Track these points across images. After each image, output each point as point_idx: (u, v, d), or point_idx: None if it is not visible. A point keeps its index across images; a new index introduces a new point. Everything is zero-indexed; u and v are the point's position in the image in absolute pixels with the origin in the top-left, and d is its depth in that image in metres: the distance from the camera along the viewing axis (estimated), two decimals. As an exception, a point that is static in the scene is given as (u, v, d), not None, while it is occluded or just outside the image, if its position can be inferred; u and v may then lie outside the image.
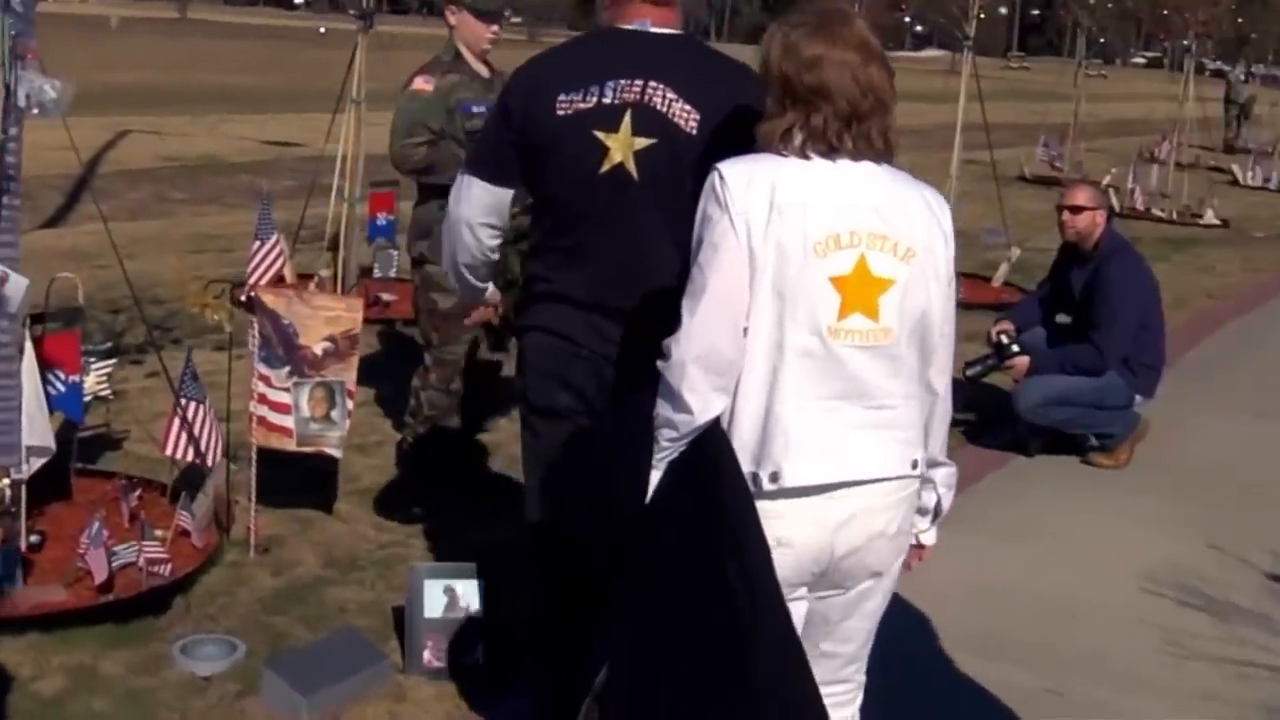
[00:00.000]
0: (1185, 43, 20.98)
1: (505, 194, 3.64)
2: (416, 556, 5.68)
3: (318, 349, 5.35)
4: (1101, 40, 46.32)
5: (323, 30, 22.14)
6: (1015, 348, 7.52)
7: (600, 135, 3.38)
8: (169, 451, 5.76)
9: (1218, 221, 18.38)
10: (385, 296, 9.84)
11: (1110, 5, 37.16)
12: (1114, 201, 12.41)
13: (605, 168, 3.40)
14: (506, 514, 5.19)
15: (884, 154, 2.86)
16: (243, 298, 9.78)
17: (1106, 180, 17.71)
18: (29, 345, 5.43)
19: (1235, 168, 24.79)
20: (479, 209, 3.65)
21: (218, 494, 5.68)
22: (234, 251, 11.76)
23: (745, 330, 2.75)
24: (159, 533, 5.24)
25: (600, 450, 3.42)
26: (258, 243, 9.84)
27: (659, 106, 3.37)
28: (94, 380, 6.15)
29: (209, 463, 5.73)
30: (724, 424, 2.79)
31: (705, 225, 2.79)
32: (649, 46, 3.48)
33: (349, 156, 10.00)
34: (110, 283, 10.21)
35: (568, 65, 3.56)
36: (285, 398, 5.40)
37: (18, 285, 5.18)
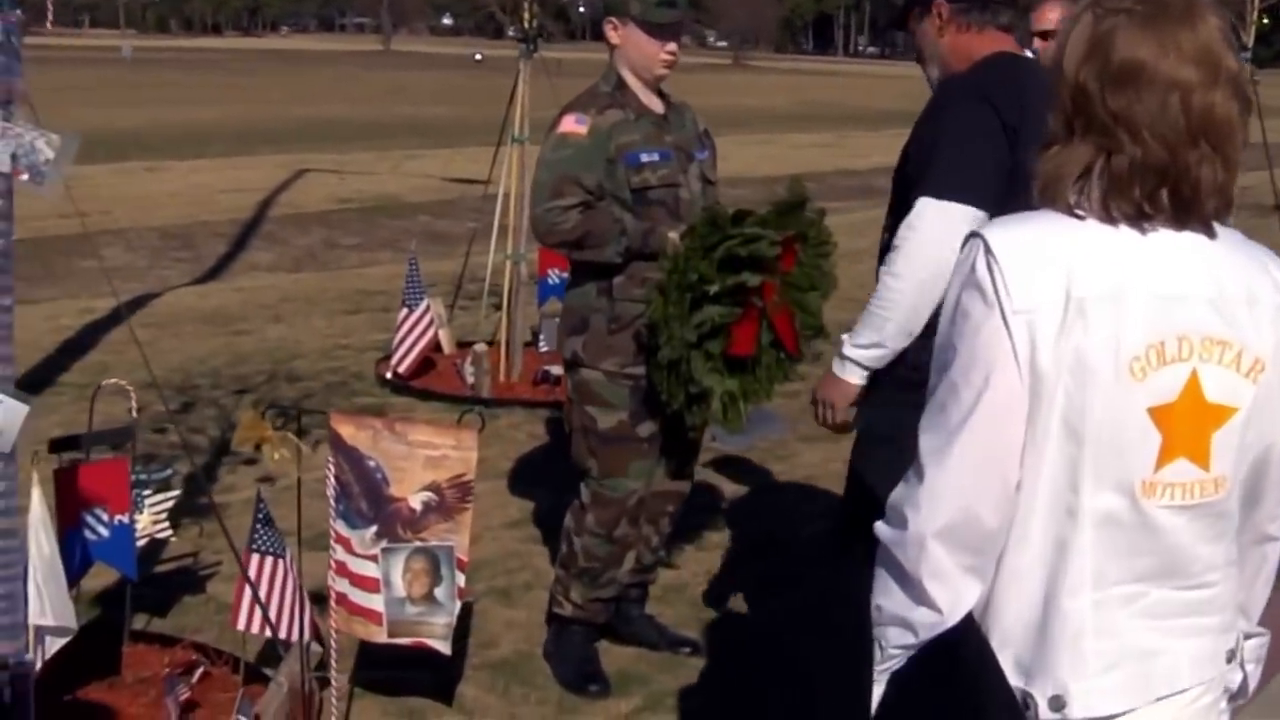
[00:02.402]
0: None
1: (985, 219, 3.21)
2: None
3: (415, 503, 3.86)
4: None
5: (478, 58, 20.97)
6: None
7: None
8: (241, 625, 4.34)
9: None
10: (554, 371, 8.15)
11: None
12: None
13: None
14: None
15: (1217, 216, 2.15)
16: (388, 374, 8.54)
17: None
18: (36, 494, 4.02)
19: None
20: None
21: (292, 686, 4.19)
22: (393, 312, 10.41)
23: (1017, 486, 2.12)
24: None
25: None
26: (404, 310, 8.56)
27: None
28: (148, 519, 4.75)
29: (290, 637, 4.27)
30: (977, 617, 2.18)
31: (960, 325, 2.13)
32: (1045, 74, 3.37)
33: (512, 198, 8.57)
34: (246, 354, 9.04)
35: (1032, 90, 3.30)
36: (371, 569, 3.92)
37: (11, 415, 3.69)
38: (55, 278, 12.50)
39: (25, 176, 3.71)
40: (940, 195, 3.37)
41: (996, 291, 2.09)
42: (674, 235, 4.35)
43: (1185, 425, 2.14)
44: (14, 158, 3.70)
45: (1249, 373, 2.16)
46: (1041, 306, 2.08)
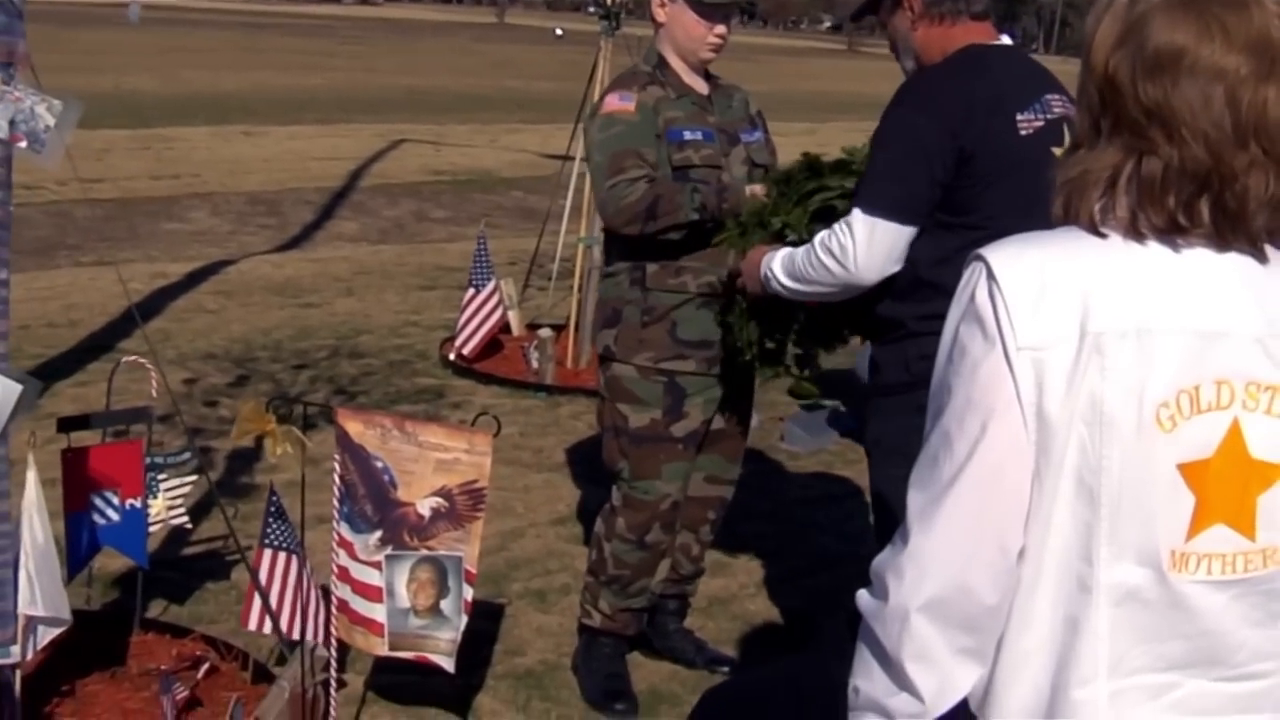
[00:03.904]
0: None
1: (912, 234, 3.34)
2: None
3: (424, 508, 3.58)
4: None
5: (559, 33, 20.66)
6: None
7: (1057, 152, 3.17)
8: (252, 625, 4.14)
9: None
10: (621, 358, 7.93)
11: None
12: None
13: None
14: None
15: (1271, 237, 1.81)
16: (451, 355, 8.30)
17: None
18: (32, 476, 3.82)
19: None
20: (891, 259, 3.35)
21: (295, 690, 3.95)
22: (468, 289, 10.23)
23: (1020, 554, 1.81)
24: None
25: None
26: (471, 290, 8.30)
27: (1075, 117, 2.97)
28: (163, 503, 4.51)
29: (293, 634, 4.05)
30: (974, 707, 1.88)
31: (957, 363, 1.84)
32: (1027, 60, 3.61)
33: (588, 178, 8.26)
34: (312, 328, 8.85)
35: (999, 81, 3.41)
36: (375, 577, 3.66)
37: (4, 394, 3.47)
38: (138, 239, 12.44)
39: (24, 143, 3.49)
40: (870, 210, 3.33)
41: (998, 324, 1.79)
42: (758, 187, 4.07)
43: (1224, 485, 1.82)
44: (12, 123, 3.47)
45: None
46: (1051, 342, 1.78)
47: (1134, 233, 1.81)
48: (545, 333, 8.11)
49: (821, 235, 3.41)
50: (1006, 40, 3.54)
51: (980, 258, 1.85)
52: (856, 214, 3.33)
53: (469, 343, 8.14)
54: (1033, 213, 2.10)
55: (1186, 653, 1.88)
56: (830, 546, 5.84)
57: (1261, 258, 1.83)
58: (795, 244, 3.65)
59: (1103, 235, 1.82)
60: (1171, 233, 1.81)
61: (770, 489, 6.43)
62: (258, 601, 4.13)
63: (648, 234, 4.14)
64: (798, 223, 3.73)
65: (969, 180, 3.28)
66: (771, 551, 5.69)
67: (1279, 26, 1.80)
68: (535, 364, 7.99)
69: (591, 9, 9.08)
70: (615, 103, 4.25)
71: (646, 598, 4.52)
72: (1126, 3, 1.84)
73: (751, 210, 3.90)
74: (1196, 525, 1.83)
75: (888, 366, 3.48)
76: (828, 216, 3.67)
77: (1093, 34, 1.87)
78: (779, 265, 3.52)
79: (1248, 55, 1.79)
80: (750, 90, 4.62)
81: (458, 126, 23.18)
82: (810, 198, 3.76)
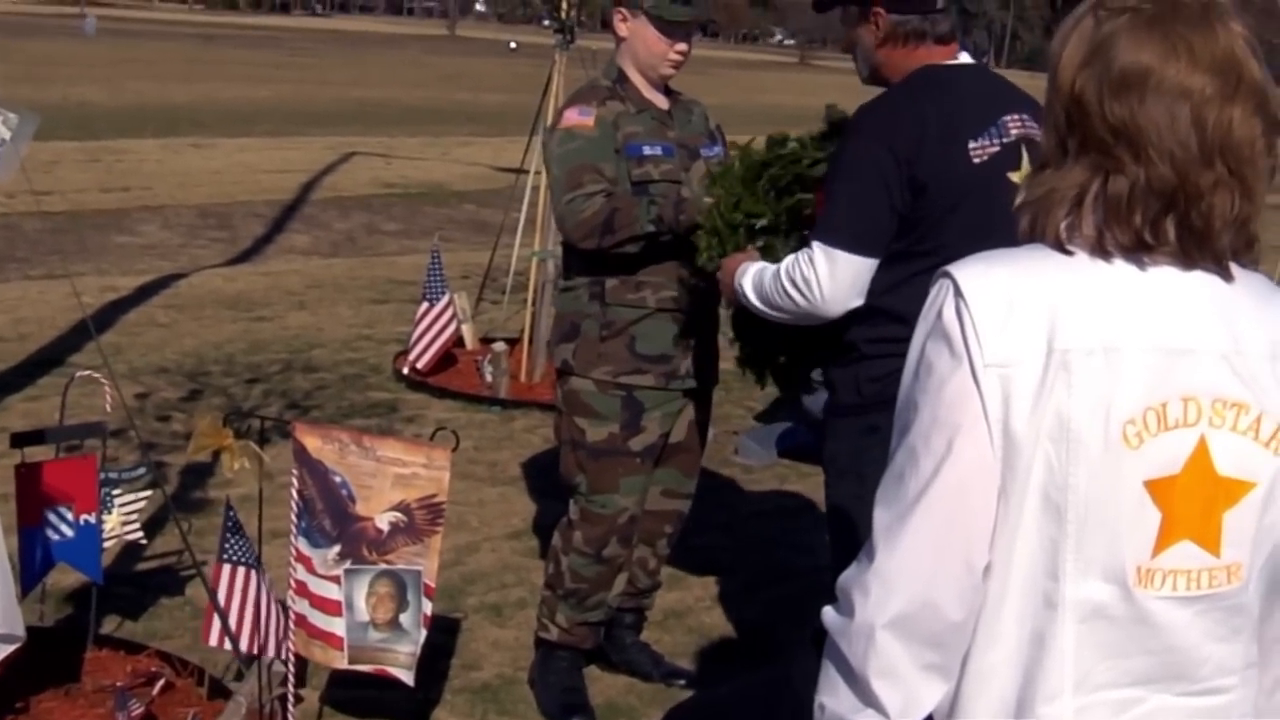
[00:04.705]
0: None
1: (874, 265, 3.31)
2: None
3: (382, 523, 3.57)
4: None
5: (513, 45, 20.50)
6: None
7: (1013, 177, 3.24)
8: (213, 640, 4.12)
9: None
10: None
11: None
12: None
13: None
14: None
15: (1236, 255, 1.82)
16: (405, 369, 8.28)
17: None
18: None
19: None
20: (855, 290, 3.31)
21: (251, 706, 3.94)
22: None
23: (986, 570, 1.81)
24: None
25: None
26: (424, 304, 8.29)
27: (1037, 136, 3.02)
28: (117, 518, 4.48)
29: (253, 650, 4.04)
30: None
31: (923, 380, 1.83)
32: (988, 77, 3.58)
33: (542, 191, 8.31)
34: (264, 342, 8.81)
35: (954, 107, 3.36)
36: (333, 591, 3.65)
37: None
38: (88, 252, 12.35)
39: (-23, 157, 3.48)
40: (831, 243, 3.29)
41: (965, 341, 1.79)
42: (699, 164, 4.06)
43: (1191, 502, 1.82)
44: (-37, 135, 3.46)
45: (1270, 441, 1.83)
46: (1018, 359, 1.78)
47: (1100, 251, 1.81)
48: (499, 346, 8.10)
49: (786, 264, 3.35)
50: (966, 58, 3.50)
51: (948, 275, 1.84)
52: (817, 247, 3.30)
53: (423, 357, 8.12)
54: (987, 239, 2.08)
55: (1152, 668, 1.88)
56: (785, 559, 5.85)
57: (1227, 276, 1.83)
58: (768, 228, 3.65)
59: (1069, 253, 1.82)
60: (1138, 250, 1.82)
61: (725, 502, 6.44)
62: (218, 617, 4.12)
63: (605, 248, 4.15)
64: (756, 206, 3.70)
65: (923, 209, 3.26)
66: (727, 565, 5.71)
67: (1243, 47, 1.81)
68: (489, 378, 7.98)
69: (546, 22, 9.08)
70: (574, 117, 4.26)
71: (604, 611, 4.52)
72: (1093, 23, 1.84)
73: (709, 218, 3.80)
74: (1163, 541, 1.83)
75: (841, 388, 3.47)
76: (778, 191, 3.68)
77: (1059, 54, 1.87)
78: (749, 283, 3.47)
79: (1213, 75, 1.80)
80: (704, 103, 4.64)
81: (409, 139, 23.12)
82: (758, 179, 3.72)
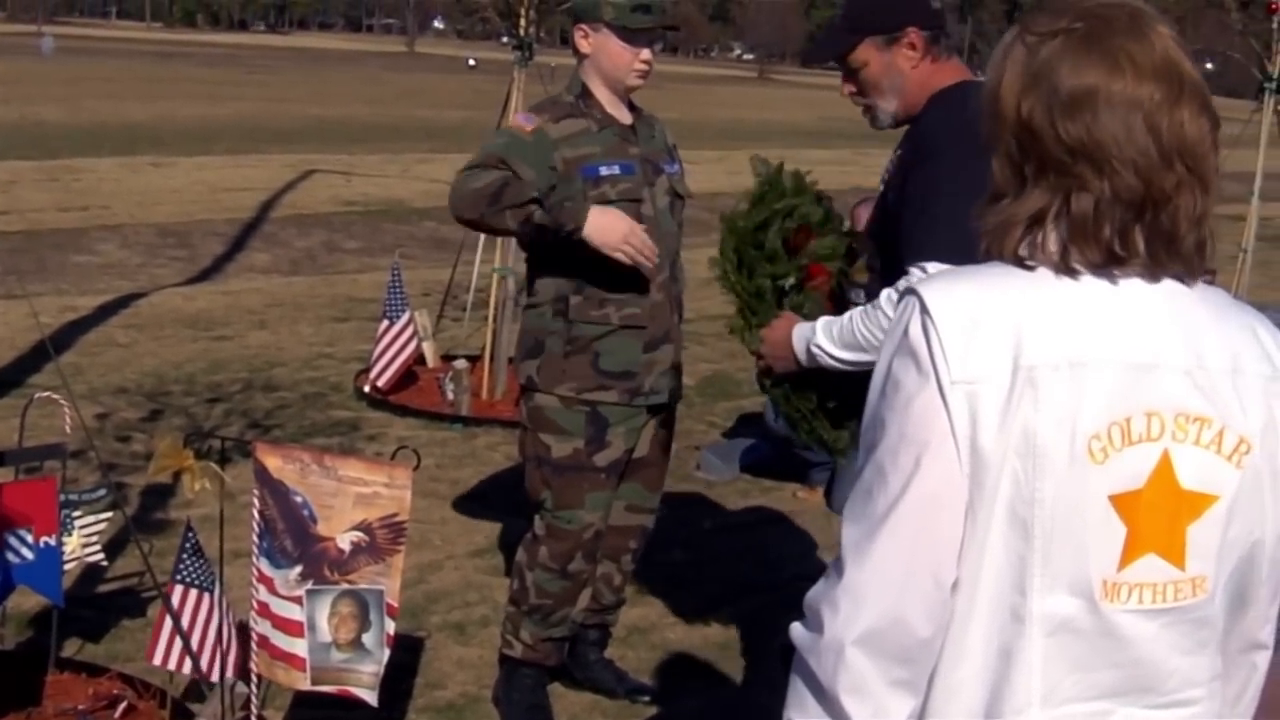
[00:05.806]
0: None
1: None
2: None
3: (344, 543, 3.56)
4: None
5: (472, 63, 20.61)
6: None
7: None
8: (158, 660, 4.08)
9: None
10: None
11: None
12: None
13: None
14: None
15: (1196, 265, 1.84)
16: (366, 387, 8.25)
17: None
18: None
19: None
20: None
21: (214, 729, 3.92)
22: (382, 320, 10.17)
23: (953, 586, 1.81)
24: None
25: None
26: (385, 322, 8.26)
27: None
28: (78, 540, 4.45)
29: (211, 675, 4.01)
30: None
31: (890, 398, 1.83)
32: None
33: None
34: (224, 361, 8.77)
35: None
36: (295, 612, 3.62)
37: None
38: (46, 272, 12.28)
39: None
40: (945, 262, 3.00)
41: (932, 358, 1.79)
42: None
43: (1155, 516, 1.83)
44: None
45: (1232, 455, 1.85)
46: (985, 376, 1.78)
47: (1065, 268, 1.83)
48: (460, 364, 8.09)
49: (886, 294, 3.13)
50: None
51: (913, 292, 1.85)
52: (932, 269, 3.03)
53: (384, 375, 8.10)
54: None
55: (1118, 681, 1.89)
56: (749, 574, 5.86)
57: (1191, 281, 1.86)
58: (797, 289, 3.51)
59: (1029, 268, 1.84)
60: (1108, 265, 1.83)
61: (687, 518, 6.44)
62: (164, 637, 4.10)
63: (484, 218, 4.10)
64: (779, 268, 3.55)
65: None
66: (690, 580, 5.71)
67: (1176, 49, 1.84)
68: (451, 395, 7.97)
69: (505, 38, 9.07)
70: (519, 120, 4.35)
71: (568, 627, 4.52)
72: (1024, 51, 1.86)
73: (727, 290, 3.60)
74: (1128, 555, 1.84)
75: None
76: (800, 246, 3.57)
77: (997, 84, 1.88)
78: (824, 337, 3.25)
79: (1158, 82, 1.82)
80: (661, 118, 4.65)
81: (368, 156, 23.05)
82: (761, 248, 3.57)
